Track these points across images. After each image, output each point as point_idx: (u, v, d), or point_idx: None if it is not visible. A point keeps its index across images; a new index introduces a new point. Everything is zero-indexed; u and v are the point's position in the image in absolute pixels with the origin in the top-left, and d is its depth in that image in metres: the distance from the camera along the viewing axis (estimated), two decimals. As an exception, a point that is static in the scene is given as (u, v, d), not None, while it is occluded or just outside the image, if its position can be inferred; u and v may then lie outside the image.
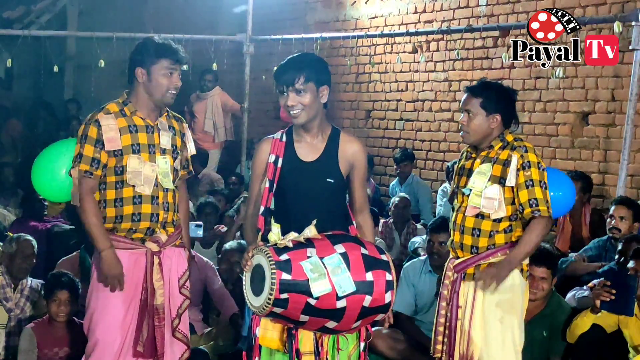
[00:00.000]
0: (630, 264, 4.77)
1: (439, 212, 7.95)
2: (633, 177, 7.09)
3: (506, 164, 4.08)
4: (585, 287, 5.09)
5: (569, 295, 5.27)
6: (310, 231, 3.51)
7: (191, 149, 4.36)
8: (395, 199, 7.59)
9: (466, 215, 4.16)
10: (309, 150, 3.73)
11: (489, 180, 4.09)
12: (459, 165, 4.34)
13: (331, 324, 3.49)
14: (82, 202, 4.04)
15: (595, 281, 4.82)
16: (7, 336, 5.41)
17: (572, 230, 6.60)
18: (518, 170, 4.04)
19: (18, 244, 5.60)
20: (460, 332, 4.15)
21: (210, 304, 6.07)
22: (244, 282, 3.59)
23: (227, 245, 6.27)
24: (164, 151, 4.16)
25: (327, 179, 3.69)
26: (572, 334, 4.87)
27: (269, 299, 3.38)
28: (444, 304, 4.23)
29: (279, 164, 3.70)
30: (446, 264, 4.31)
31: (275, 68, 3.75)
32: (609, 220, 5.83)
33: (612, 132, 7.38)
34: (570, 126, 7.72)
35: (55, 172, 4.31)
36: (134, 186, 4.07)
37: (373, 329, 5.41)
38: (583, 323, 4.83)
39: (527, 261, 4.19)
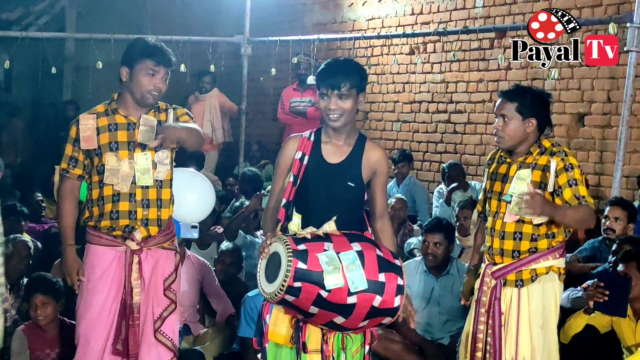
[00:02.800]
0: (620, 267, 4.78)
1: (435, 213, 7.97)
2: (628, 179, 7.11)
3: (546, 169, 4.07)
4: (579, 288, 5.11)
5: (563, 295, 5.28)
6: (330, 226, 3.59)
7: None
8: (391, 200, 7.59)
9: (506, 221, 4.15)
10: (334, 152, 3.82)
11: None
12: (491, 170, 4.31)
13: (339, 320, 3.53)
14: (60, 202, 4.21)
15: (589, 282, 4.83)
16: (2, 337, 5.41)
17: (567, 231, 6.61)
18: (559, 172, 4.03)
19: (14, 245, 5.62)
20: (506, 337, 4.13)
21: (207, 305, 6.08)
22: (258, 269, 3.65)
23: (223, 246, 6.29)
24: (144, 147, 4.15)
25: (349, 183, 3.79)
26: (566, 334, 4.89)
27: (283, 285, 3.44)
28: (482, 310, 4.20)
29: (305, 161, 3.80)
30: (482, 270, 4.28)
31: (319, 69, 3.80)
32: (603, 221, 5.84)
33: (607, 134, 7.40)
34: (566, 127, 7.74)
35: None
36: (112, 184, 4.11)
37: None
38: (576, 324, 4.85)
39: (563, 264, 4.20)
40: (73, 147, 4.14)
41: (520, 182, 4.10)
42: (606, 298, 4.63)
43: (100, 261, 4.11)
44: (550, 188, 4.06)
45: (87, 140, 4.10)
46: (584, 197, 4.02)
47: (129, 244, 4.14)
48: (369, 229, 3.89)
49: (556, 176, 4.04)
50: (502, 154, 4.29)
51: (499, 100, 4.22)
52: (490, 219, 4.26)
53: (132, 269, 4.12)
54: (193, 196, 4.81)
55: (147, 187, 4.16)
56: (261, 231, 7.01)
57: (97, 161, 4.11)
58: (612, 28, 6.42)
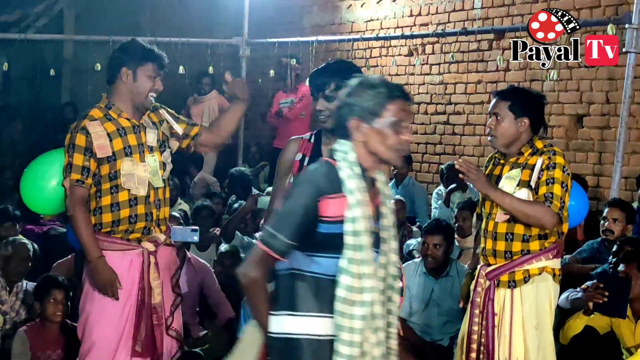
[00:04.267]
0: (621, 267, 4.78)
1: (434, 215, 7.97)
2: (627, 180, 7.11)
3: (534, 168, 4.09)
4: (578, 289, 5.11)
5: (562, 296, 5.27)
6: None
7: (177, 129, 4.30)
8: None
9: (497, 221, 4.17)
10: None
11: (517, 185, 4.10)
12: (487, 172, 4.33)
13: None
14: (74, 213, 4.04)
15: (588, 283, 4.83)
16: (2, 339, 5.40)
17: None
18: (542, 170, 4.05)
19: (14, 247, 5.61)
20: (499, 339, 4.14)
21: (206, 307, 6.08)
22: None
23: (223, 247, 6.28)
24: (151, 149, 4.17)
25: None
26: (565, 335, 4.89)
27: None
28: (476, 311, 4.21)
29: (305, 163, 3.83)
30: (477, 271, 4.29)
31: (311, 72, 3.88)
32: (602, 222, 5.84)
33: (606, 135, 7.40)
34: (565, 128, 7.74)
35: (44, 185, 4.30)
36: (129, 189, 4.08)
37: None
38: (576, 325, 4.85)
39: (559, 265, 4.20)
40: (84, 157, 4.03)
41: (509, 181, 4.13)
42: (606, 299, 4.63)
43: (114, 267, 4.08)
44: (532, 184, 4.08)
45: (103, 148, 4.04)
46: (552, 197, 4.02)
47: (146, 246, 4.14)
48: None
49: (539, 174, 4.05)
50: (497, 155, 4.32)
51: (493, 100, 4.27)
52: (484, 220, 4.29)
53: (149, 270, 4.12)
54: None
55: (158, 188, 4.18)
56: (257, 233, 7.03)
57: (108, 169, 4.06)
58: (610, 29, 6.42)
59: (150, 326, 4.14)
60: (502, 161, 4.26)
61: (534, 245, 4.13)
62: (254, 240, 6.60)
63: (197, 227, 5.14)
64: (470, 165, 4.06)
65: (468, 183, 7.98)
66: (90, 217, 4.08)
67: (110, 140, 4.06)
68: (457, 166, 4.04)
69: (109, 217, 4.10)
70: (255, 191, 8.02)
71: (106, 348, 4.11)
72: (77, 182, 4.03)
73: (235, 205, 7.42)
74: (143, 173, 4.11)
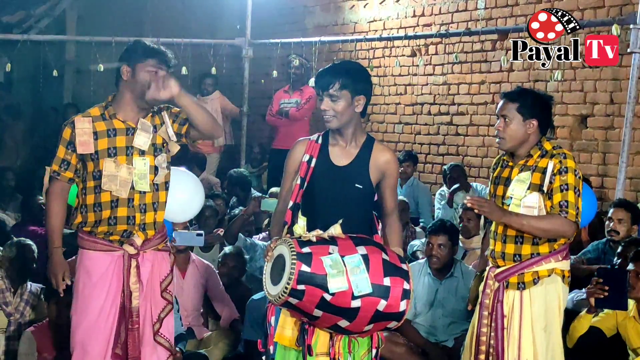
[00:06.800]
0: (630, 267, 4.77)
1: (438, 215, 7.96)
2: (632, 180, 7.10)
3: (545, 171, 4.06)
4: (584, 290, 5.10)
5: (568, 298, 5.27)
6: (335, 230, 3.62)
7: (171, 134, 4.16)
8: (394, 202, 7.57)
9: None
10: (341, 154, 3.85)
11: (528, 188, 4.07)
12: (495, 174, 4.31)
13: (343, 323, 3.54)
14: (48, 204, 4.13)
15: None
16: (6, 340, 5.41)
17: (571, 233, 6.60)
18: (554, 174, 4.03)
19: (18, 249, 5.61)
20: (508, 340, 4.13)
21: (210, 308, 6.07)
22: (264, 271, 3.67)
23: (226, 249, 6.28)
24: (142, 152, 4.11)
25: (356, 185, 3.81)
26: (571, 337, 4.87)
27: (286, 287, 3.46)
28: (485, 313, 4.19)
29: (312, 164, 3.82)
30: (486, 272, 4.28)
31: (317, 72, 3.89)
32: (607, 222, 5.83)
33: (610, 135, 7.39)
34: (569, 129, 7.73)
35: None
36: (110, 191, 4.07)
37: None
38: (580, 325, 4.84)
39: (568, 267, 4.18)
40: (66, 150, 4.06)
41: (520, 184, 4.11)
42: (606, 294, 4.61)
43: (96, 267, 4.08)
44: (545, 188, 4.06)
45: (84, 145, 4.04)
46: (567, 205, 4.00)
47: (127, 249, 4.11)
48: (379, 232, 3.89)
49: (552, 179, 4.04)
50: (505, 158, 4.30)
51: (500, 102, 4.24)
52: (494, 222, 4.26)
53: (130, 273, 4.10)
54: (183, 195, 4.62)
55: (144, 192, 4.12)
56: (259, 235, 7.03)
57: (92, 166, 4.06)
58: (615, 30, 6.41)
59: (126, 330, 4.13)
60: (510, 163, 4.23)
61: (544, 248, 4.11)
62: (256, 242, 6.59)
63: (202, 232, 5.13)
64: (480, 199, 4.06)
65: (469, 183, 8.01)
66: (62, 210, 4.13)
67: (96, 139, 4.05)
68: (467, 204, 4.03)
69: (92, 216, 4.09)
70: (257, 193, 8.01)
71: (92, 348, 4.08)
72: (53, 173, 4.10)
73: (235, 211, 7.35)
74: (127, 175, 4.07)
